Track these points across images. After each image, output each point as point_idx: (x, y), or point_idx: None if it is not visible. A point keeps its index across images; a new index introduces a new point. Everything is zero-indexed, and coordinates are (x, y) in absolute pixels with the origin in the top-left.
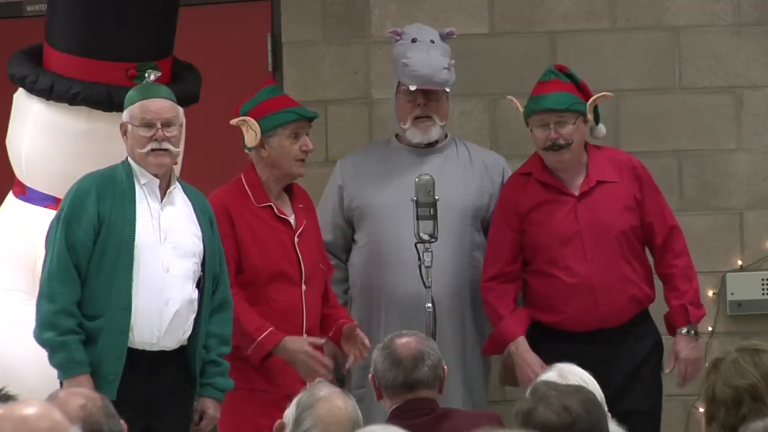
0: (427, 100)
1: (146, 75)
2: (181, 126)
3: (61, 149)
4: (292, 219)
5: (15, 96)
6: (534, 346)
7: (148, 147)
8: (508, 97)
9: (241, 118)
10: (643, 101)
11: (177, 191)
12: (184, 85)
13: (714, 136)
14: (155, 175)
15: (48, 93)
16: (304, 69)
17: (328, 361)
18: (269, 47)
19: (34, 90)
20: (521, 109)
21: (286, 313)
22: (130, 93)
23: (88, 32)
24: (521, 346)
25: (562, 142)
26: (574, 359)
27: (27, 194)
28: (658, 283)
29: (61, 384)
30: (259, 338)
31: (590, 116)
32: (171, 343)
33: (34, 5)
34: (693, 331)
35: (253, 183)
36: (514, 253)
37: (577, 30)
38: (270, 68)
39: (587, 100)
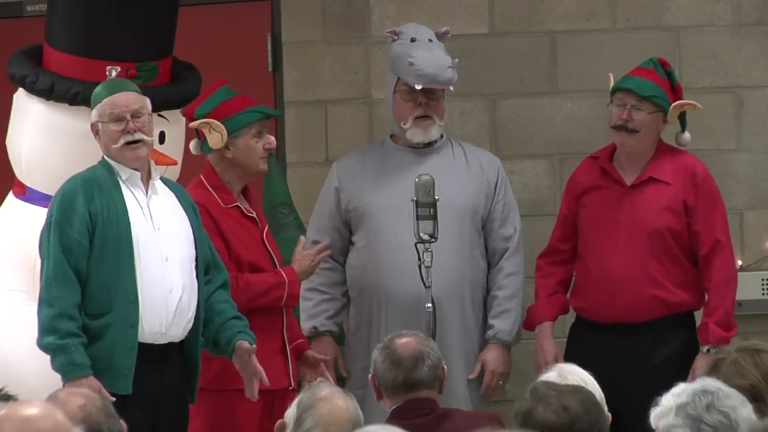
0: (428, 99)
1: (108, 72)
2: (149, 115)
3: (61, 149)
4: (255, 216)
5: (15, 96)
6: (571, 332)
7: (122, 141)
8: (609, 74)
9: (204, 120)
10: None
11: (158, 182)
12: (184, 85)
13: (714, 136)
14: (135, 169)
15: (48, 93)
16: (304, 69)
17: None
18: (269, 47)
19: (34, 90)
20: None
21: (267, 309)
22: (95, 92)
23: (88, 32)
24: (544, 331)
25: (630, 126)
26: (594, 348)
27: (27, 194)
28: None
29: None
30: (286, 279)
31: (671, 119)
32: (178, 331)
33: (34, 5)
34: (714, 351)
35: (216, 185)
36: (567, 232)
37: (577, 30)
38: (270, 68)
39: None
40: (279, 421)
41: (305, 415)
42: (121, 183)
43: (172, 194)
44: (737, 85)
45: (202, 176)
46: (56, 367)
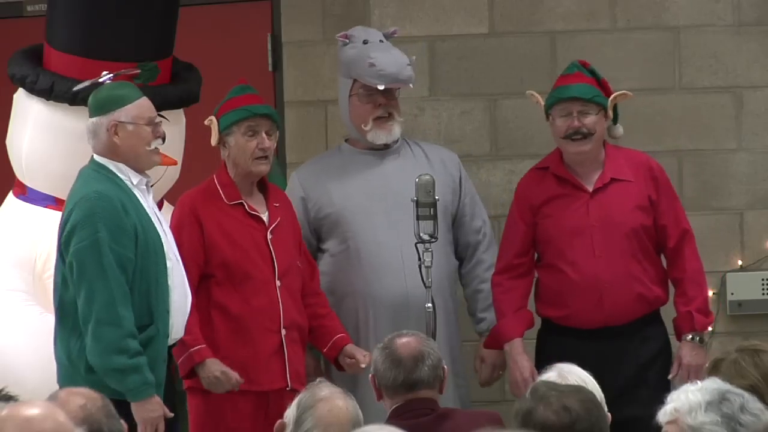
0: (387, 99)
1: (103, 77)
2: None
3: (61, 149)
4: (265, 216)
5: (15, 96)
6: (542, 341)
7: (155, 144)
8: (528, 91)
9: (210, 117)
10: (643, 101)
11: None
12: (184, 85)
13: (714, 136)
14: (144, 174)
15: (48, 93)
16: (304, 69)
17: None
18: (269, 47)
19: (34, 90)
20: (541, 103)
21: (263, 310)
22: (120, 93)
23: (88, 32)
24: (515, 348)
25: (584, 130)
26: (579, 355)
27: (27, 194)
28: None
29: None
30: (191, 350)
31: (610, 113)
32: (183, 331)
33: (34, 5)
34: (698, 338)
35: (224, 182)
36: (525, 246)
37: (577, 30)
38: (270, 68)
39: (608, 97)
40: (279, 421)
41: (305, 415)
42: (132, 188)
43: (151, 192)
44: (737, 85)
45: (215, 173)
46: (128, 387)
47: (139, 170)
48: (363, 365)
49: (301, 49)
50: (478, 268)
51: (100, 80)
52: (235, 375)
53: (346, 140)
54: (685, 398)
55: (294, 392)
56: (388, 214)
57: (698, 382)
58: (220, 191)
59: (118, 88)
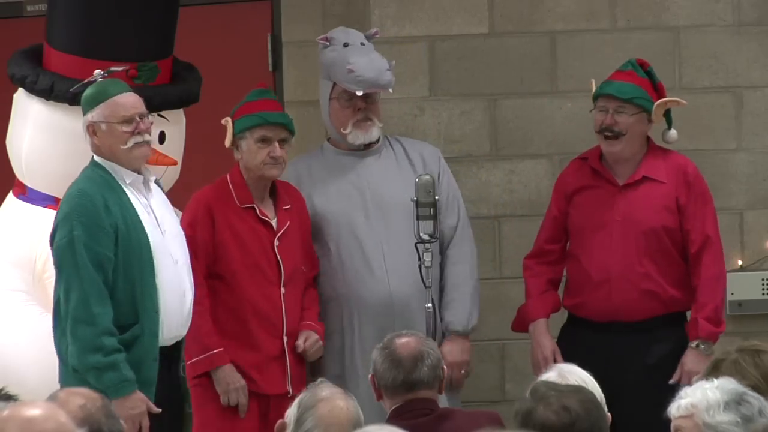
0: (366, 104)
1: (96, 76)
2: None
3: (61, 149)
4: (274, 222)
5: (15, 96)
6: (562, 332)
7: (132, 141)
8: (592, 80)
9: (226, 118)
10: None
11: (152, 183)
12: (184, 85)
13: (714, 136)
14: (137, 172)
15: (48, 93)
16: (304, 69)
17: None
18: (269, 47)
19: (34, 90)
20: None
21: (266, 315)
22: (94, 92)
23: (88, 32)
24: (539, 328)
25: (615, 129)
26: (589, 347)
27: (27, 194)
28: None
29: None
30: (211, 353)
31: (656, 118)
32: (185, 331)
33: (34, 5)
34: (704, 347)
35: (237, 182)
36: (555, 232)
37: (577, 30)
38: (270, 68)
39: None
40: (279, 421)
41: (306, 415)
42: (124, 187)
43: (161, 192)
44: (737, 85)
45: (229, 172)
46: (105, 384)
47: (130, 169)
48: (299, 350)
49: (301, 49)
50: (444, 263)
51: (92, 79)
52: (245, 392)
53: (328, 139)
54: (703, 395)
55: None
56: (369, 216)
57: (714, 380)
58: (233, 192)
59: (95, 87)
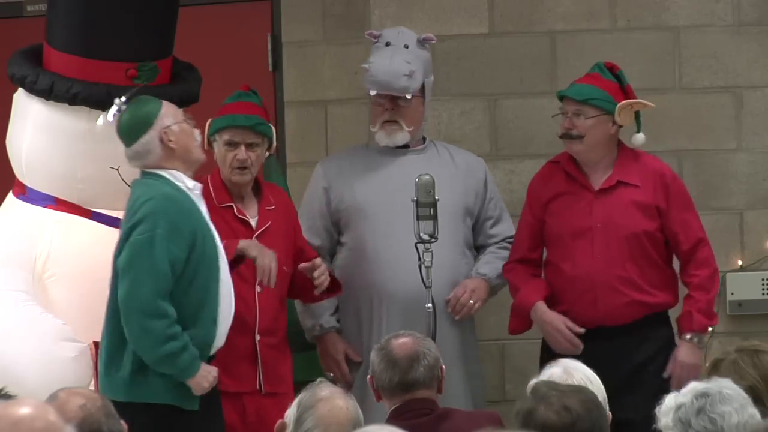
0: (393, 105)
1: (119, 104)
2: None
3: (61, 149)
4: (254, 221)
5: (15, 96)
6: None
7: (198, 135)
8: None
9: (210, 119)
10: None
11: None
12: (184, 85)
13: (714, 136)
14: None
15: (48, 93)
16: (304, 69)
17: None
18: (269, 47)
19: (34, 90)
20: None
21: (238, 314)
22: (150, 104)
23: (88, 32)
24: (539, 310)
25: (573, 132)
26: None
27: (27, 194)
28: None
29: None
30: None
31: (622, 120)
32: (224, 341)
33: (34, 5)
34: (696, 339)
35: (216, 183)
36: (535, 240)
37: (577, 30)
38: (270, 68)
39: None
40: (279, 420)
41: (305, 415)
42: (189, 194)
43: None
44: (737, 85)
45: (210, 174)
46: (183, 365)
47: (194, 168)
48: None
49: (301, 49)
50: (487, 242)
51: (121, 109)
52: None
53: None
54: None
55: (271, 395)
56: (406, 213)
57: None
58: (212, 193)
59: (143, 104)
